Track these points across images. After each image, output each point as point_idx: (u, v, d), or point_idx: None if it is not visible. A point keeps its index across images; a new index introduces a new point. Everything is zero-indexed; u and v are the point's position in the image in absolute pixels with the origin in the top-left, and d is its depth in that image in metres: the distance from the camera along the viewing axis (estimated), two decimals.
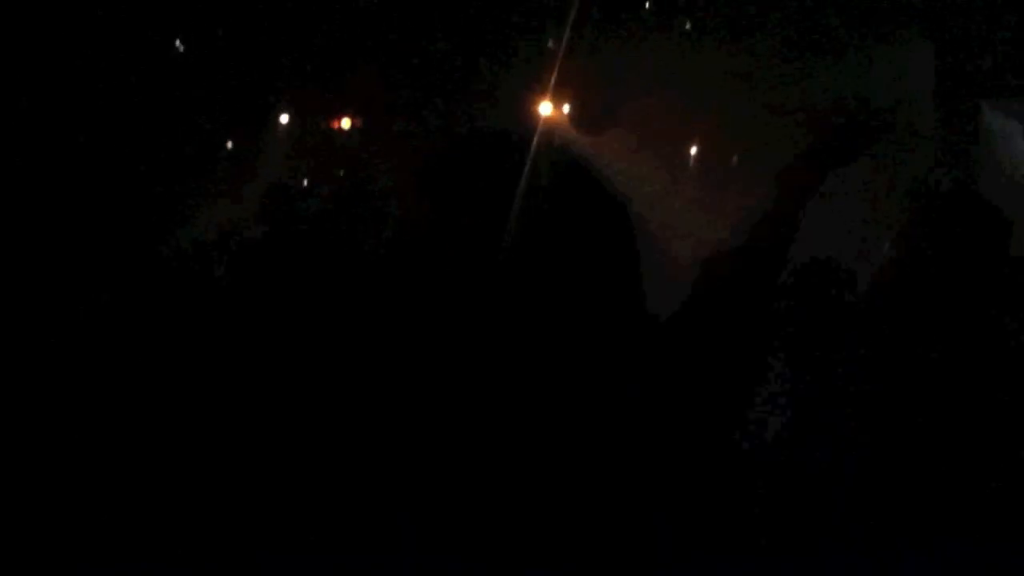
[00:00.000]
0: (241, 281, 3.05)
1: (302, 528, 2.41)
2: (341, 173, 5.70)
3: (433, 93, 6.34)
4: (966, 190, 4.49)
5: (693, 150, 8.07)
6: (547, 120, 6.25)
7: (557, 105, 6.37)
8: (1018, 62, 6.07)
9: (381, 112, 6.41)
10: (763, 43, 6.63)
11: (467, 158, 6.06)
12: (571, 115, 6.61)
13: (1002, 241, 3.15)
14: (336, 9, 5.73)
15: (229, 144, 6.15)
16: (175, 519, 2.47)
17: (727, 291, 2.76)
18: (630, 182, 5.63)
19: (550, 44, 6.57)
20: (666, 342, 2.56)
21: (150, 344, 2.82)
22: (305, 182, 5.91)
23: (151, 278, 3.35)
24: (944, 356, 2.83)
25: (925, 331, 2.89)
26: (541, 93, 6.30)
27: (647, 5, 6.72)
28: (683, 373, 2.45)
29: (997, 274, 2.96)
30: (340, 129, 6.45)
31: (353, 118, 6.37)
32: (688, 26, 7.15)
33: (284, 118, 6.22)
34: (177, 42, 5.33)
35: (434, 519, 2.38)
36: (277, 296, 2.93)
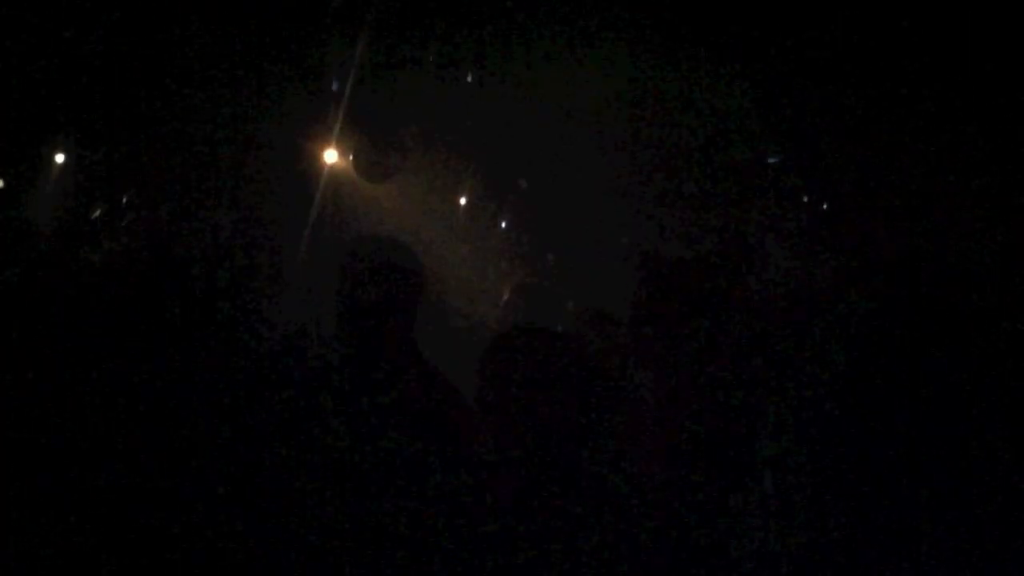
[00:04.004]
0: None
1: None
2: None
3: (221, 140, 6.40)
4: None
5: (472, 200, 8.43)
6: (332, 168, 6.48)
7: (342, 153, 6.61)
8: None
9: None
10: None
11: (252, 203, 6.17)
12: (356, 163, 6.85)
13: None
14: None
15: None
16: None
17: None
18: (412, 229, 5.88)
19: (334, 90, 6.74)
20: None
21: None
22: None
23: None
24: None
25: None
26: (326, 141, 6.52)
27: (432, 58, 7.02)
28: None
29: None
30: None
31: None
32: (469, 79, 7.48)
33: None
34: None
35: None
36: None
